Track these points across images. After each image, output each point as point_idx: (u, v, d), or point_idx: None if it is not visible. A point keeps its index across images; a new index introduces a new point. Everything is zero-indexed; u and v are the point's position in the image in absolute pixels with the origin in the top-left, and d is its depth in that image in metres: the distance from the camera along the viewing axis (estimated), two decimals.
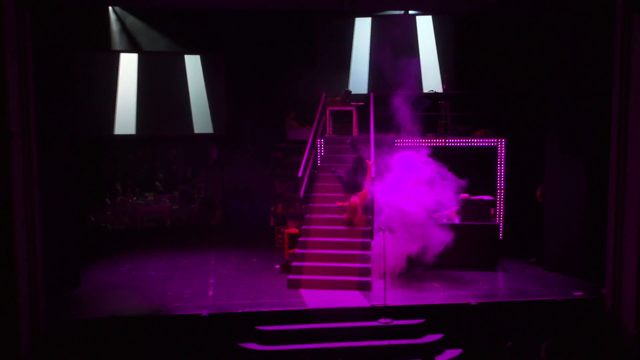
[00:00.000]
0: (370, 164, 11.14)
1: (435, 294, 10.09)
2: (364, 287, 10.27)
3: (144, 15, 15.15)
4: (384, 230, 9.84)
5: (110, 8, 14.77)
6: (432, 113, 13.20)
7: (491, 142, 12.90)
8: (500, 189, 12.75)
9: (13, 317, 8.31)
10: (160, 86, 15.62)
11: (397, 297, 9.84)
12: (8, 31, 8.23)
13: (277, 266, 11.67)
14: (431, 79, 15.34)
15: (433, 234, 10.81)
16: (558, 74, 11.24)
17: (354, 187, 11.26)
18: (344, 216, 11.17)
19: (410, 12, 15.30)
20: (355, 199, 11.06)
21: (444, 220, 11.47)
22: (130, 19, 15.13)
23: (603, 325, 9.43)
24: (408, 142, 12.35)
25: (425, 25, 15.46)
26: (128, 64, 15.34)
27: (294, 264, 10.78)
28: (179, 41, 15.49)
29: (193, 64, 15.82)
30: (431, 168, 10.91)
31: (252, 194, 15.47)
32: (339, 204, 11.30)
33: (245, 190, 15.50)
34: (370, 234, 10.81)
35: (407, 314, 9.40)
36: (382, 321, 9.27)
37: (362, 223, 11.13)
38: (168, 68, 15.67)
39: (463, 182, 10.84)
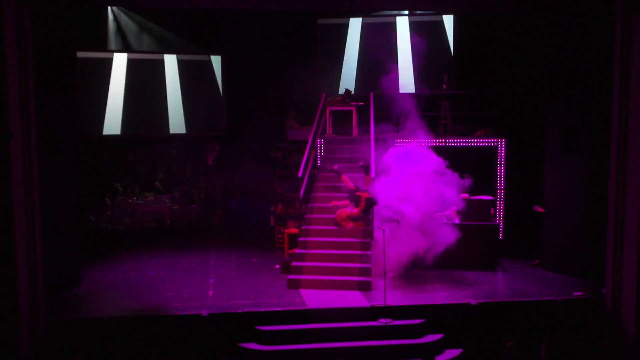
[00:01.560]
0: (365, 196, 10.90)
1: (435, 294, 10.09)
2: (364, 287, 10.27)
3: (144, 16, 15.15)
4: (384, 230, 9.84)
5: (109, 8, 14.77)
6: (432, 113, 13.20)
7: (491, 142, 12.90)
8: (500, 189, 12.76)
9: (13, 317, 8.30)
10: (160, 86, 15.62)
11: (397, 297, 9.83)
12: (8, 31, 8.22)
13: (277, 266, 11.67)
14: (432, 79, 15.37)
15: (433, 234, 10.81)
16: (558, 74, 11.24)
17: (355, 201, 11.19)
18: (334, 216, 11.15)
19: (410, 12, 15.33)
20: (345, 211, 10.98)
21: (444, 220, 11.47)
22: (129, 20, 15.12)
23: (603, 325, 9.43)
24: (408, 142, 12.33)
25: (424, 25, 15.49)
26: (128, 64, 15.35)
27: (294, 264, 10.78)
28: (179, 41, 15.49)
29: (193, 64, 15.82)
30: (433, 167, 10.91)
31: (253, 194, 15.48)
32: (334, 203, 11.29)
33: (247, 190, 15.50)
34: (370, 234, 10.81)
35: (407, 314, 9.40)
36: (382, 321, 9.27)
37: (359, 227, 11.05)
38: (168, 68, 15.67)
39: (467, 182, 10.84)
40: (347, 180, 11.15)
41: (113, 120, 15.15)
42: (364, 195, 10.76)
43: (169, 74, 15.61)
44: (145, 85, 15.46)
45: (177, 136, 15.85)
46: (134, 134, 15.53)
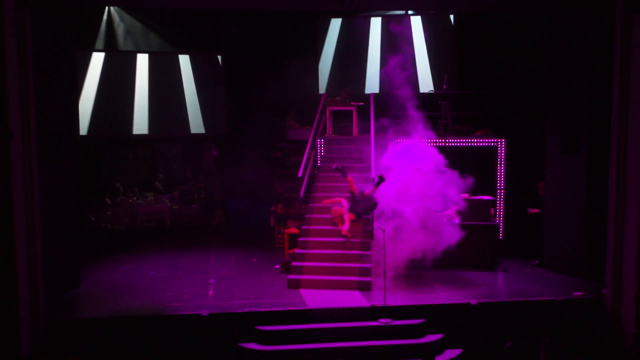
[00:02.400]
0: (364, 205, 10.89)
1: (435, 294, 10.09)
2: (364, 287, 10.27)
3: (144, 16, 15.15)
4: (384, 230, 9.84)
5: (109, 8, 14.77)
6: (432, 113, 13.20)
7: (491, 142, 12.90)
8: (500, 189, 12.76)
9: (13, 317, 8.31)
10: (160, 86, 15.63)
11: (397, 297, 9.83)
12: (8, 31, 8.23)
13: (277, 266, 11.66)
14: (431, 79, 15.38)
15: (433, 234, 10.80)
16: (558, 74, 11.23)
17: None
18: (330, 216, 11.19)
19: (410, 12, 15.33)
20: (340, 210, 11.00)
21: (444, 220, 11.46)
22: (129, 19, 15.13)
23: (603, 325, 9.43)
24: (409, 142, 12.31)
25: (425, 25, 15.49)
26: (128, 64, 15.36)
27: (294, 263, 10.78)
28: (179, 41, 15.50)
29: (193, 64, 15.83)
30: (433, 166, 10.90)
31: (253, 194, 15.49)
32: (325, 202, 11.28)
33: (247, 190, 15.50)
34: (370, 234, 10.81)
35: (407, 314, 9.40)
36: (382, 321, 9.27)
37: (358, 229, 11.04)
38: (168, 68, 15.68)
39: (467, 181, 10.82)
40: (352, 182, 11.12)
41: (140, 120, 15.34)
42: (363, 203, 10.81)
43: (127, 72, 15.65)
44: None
45: (125, 137, 15.68)
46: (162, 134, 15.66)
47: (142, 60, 15.46)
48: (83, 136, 14.87)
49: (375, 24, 15.67)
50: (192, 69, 15.81)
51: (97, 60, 15.06)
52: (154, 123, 15.62)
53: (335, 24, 15.82)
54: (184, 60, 15.76)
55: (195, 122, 15.92)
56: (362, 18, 15.65)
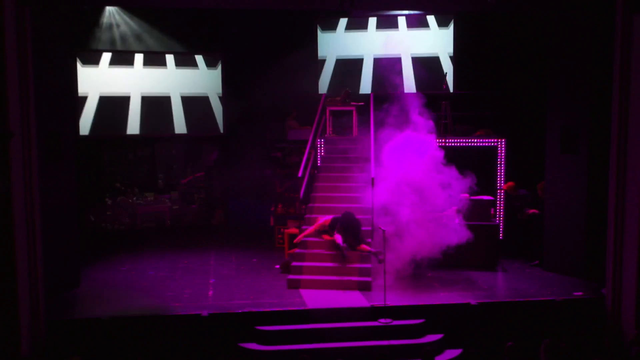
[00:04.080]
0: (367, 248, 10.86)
1: (435, 294, 10.09)
2: (364, 287, 10.27)
3: (144, 16, 15.14)
4: (384, 231, 9.84)
5: (110, 8, 14.77)
6: (432, 113, 13.18)
7: (491, 142, 12.90)
8: (500, 189, 12.76)
9: (13, 317, 8.30)
10: (161, 86, 15.62)
11: (397, 297, 9.83)
12: (8, 31, 8.22)
13: (277, 266, 11.66)
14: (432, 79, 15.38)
15: (433, 234, 10.79)
16: (558, 74, 11.24)
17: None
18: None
19: (411, 12, 15.33)
20: (322, 226, 11.07)
21: (444, 221, 11.45)
22: (130, 19, 15.12)
23: (603, 325, 9.43)
24: (409, 141, 12.29)
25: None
26: (129, 64, 15.35)
27: (294, 264, 10.78)
28: (179, 41, 15.49)
29: (193, 64, 15.82)
30: (433, 167, 10.90)
31: (253, 194, 15.49)
32: (304, 233, 11.25)
33: (247, 190, 15.51)
34: (370, 234, 10.80)
35: (407, 314, 9.40)
36: (382, 321, 9.27)
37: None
38: (168, 68, 15.68)
39: (468, 181, 10.81)
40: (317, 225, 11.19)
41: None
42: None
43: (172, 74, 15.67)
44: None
45: (125, 137, 15.58)
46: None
47: (143, 60, 15.45)
48: (84, 136, 14.86)
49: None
50: (192, 69, 15.79)
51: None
52: (153, 123, 15.61)
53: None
54: (184, 60, 15.74)
55: (196, 122, 15.90)
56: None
